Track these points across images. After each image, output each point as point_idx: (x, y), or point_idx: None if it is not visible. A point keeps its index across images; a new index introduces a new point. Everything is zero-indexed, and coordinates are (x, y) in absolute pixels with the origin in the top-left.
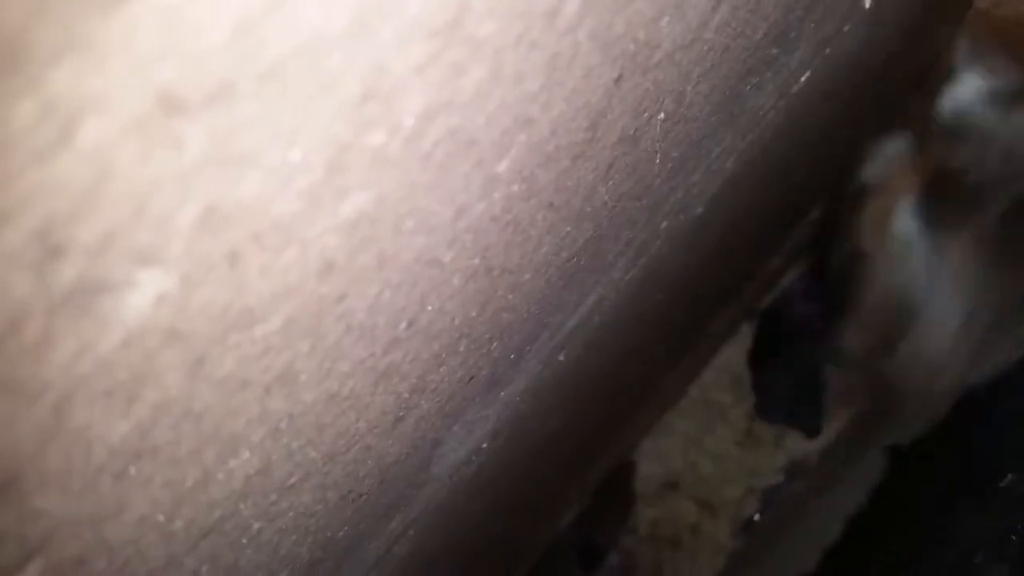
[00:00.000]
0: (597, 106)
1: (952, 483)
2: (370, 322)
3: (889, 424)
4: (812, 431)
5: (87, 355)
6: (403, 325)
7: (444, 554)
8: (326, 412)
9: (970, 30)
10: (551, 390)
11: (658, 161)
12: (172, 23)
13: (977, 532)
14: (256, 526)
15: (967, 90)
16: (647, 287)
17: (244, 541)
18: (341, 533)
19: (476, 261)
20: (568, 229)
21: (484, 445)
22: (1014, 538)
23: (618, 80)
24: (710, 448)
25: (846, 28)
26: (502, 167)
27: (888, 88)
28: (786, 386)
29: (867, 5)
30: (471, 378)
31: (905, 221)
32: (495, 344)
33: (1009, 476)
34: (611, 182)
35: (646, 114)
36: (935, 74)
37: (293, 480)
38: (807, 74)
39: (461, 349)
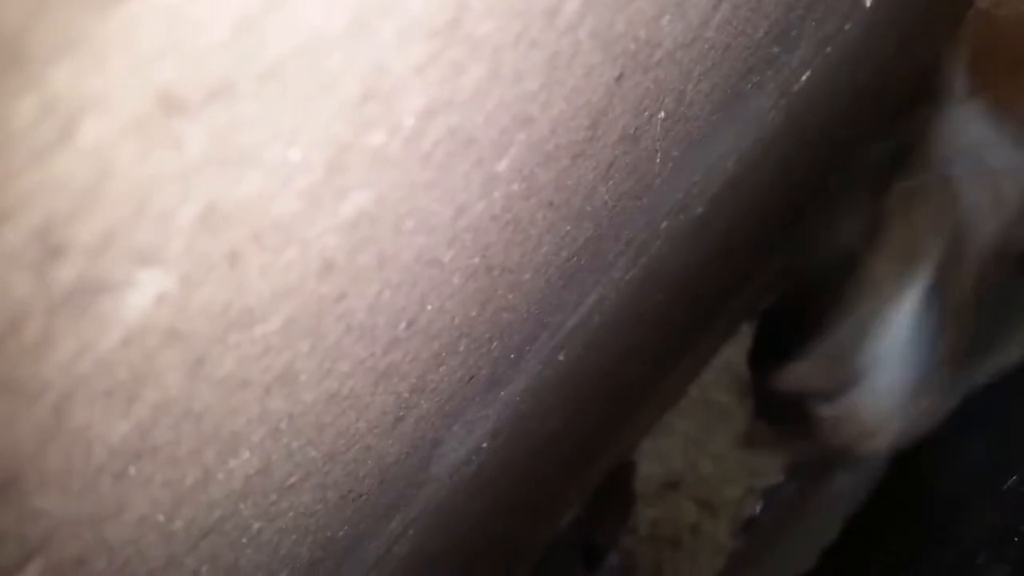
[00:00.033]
0: (597, 105)
1: (954, 484)
2: (370, 322)
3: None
4: (812, 431)
5: (87, 355)
6: (403, 325)
7: (444, 554)
8: (326, 412)
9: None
10: (551, 390)
11: (659, 160)
12: (172, 22)
13: (979, 533)
14: (256, 526)
15: (968, 131)
16: (647, 287)
17: (244, 541)
18: (341, 533)
19: (476, 260)
20: (568, 228)
21: (484, 445)
22: (1016, 539)
23: (619, 79)
24: (710, 448)
25: (847, 27)
26: (502, 166)
27: (889, 87)
28: None
29: (868, 4)
30: (471, 378)
31: (905, 291)
32: (495, 344)
33: (1013, 477)
34: (611, 181)
35: (647, 113)
36: (930, 96)
37: (293, 480)
38: (808, 73)
39: (461, 349)
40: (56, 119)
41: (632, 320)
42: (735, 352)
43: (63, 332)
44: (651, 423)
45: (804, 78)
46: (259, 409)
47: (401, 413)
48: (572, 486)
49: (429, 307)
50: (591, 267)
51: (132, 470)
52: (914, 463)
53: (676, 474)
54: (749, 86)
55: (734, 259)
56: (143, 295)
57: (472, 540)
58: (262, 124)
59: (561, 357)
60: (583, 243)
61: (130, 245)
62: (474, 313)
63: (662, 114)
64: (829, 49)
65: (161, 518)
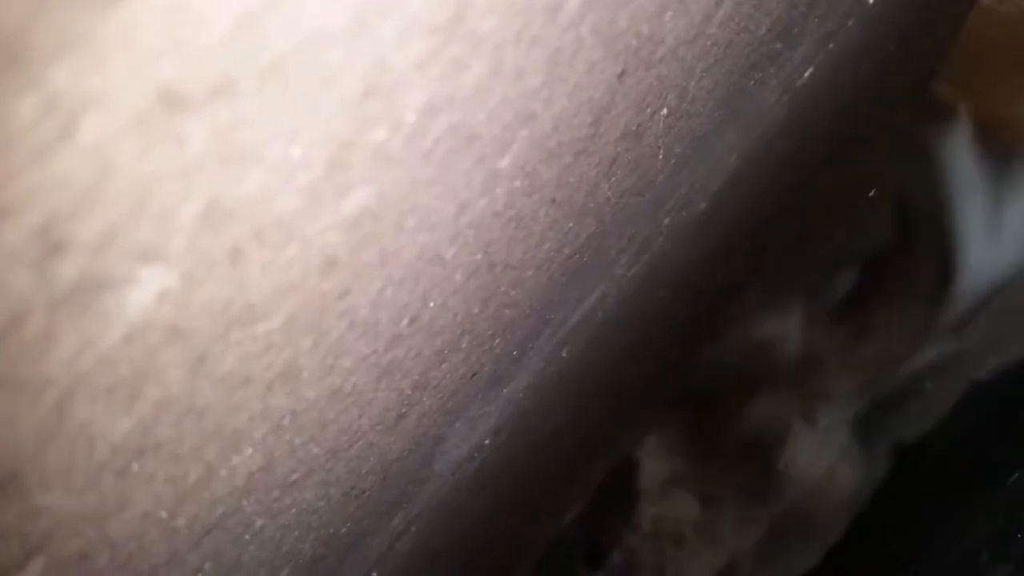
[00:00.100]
0: (600, 102)
1: (956, 482)
2: (372, 318)
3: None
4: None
5: (89, 352)
6: (405, 321)
7: (446, 551)
8: (328, 408)
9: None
10: (553, 386)
11: (661, 157)
12: (173, 20)
13: (982, 531)
14: (259, 522)
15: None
16: (650, 283)
17: (247, 537)
18: (344, 529)
19: (478, 257)
20: (571, 225)
21: (486, 442)
22: (1020, 537)
23: (621, 75)
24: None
25: (849, 23)
26: (504, 163)
27: (891, 84)
28: None
29: (870, 0)
30: (473, 374)
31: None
32: (497, 340)
33: (1015, 475)
34: (614, 178)
35: (649, 110)
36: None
37: (296, 476)
38: (810, 69)
39: (463, 345)
40: (57, 118)
41: (635, 317)
42: None
43: (64, 329)
44: (654, 420)
45: (807, 74)
46: (261, 406)
47: (404, 410)
48: (574, 483)
49: (431, 304)
50: (594, 263)
51: (134, 467)
52: (918, 461)
53: (679, 471)
54: (752, 82)
55: (737, 256)
56: (145, 292)
57: (474, 537)
58: (263, 121)
59: (564, 354)
60: (585, 240)
61: (131, 242)
62: (476, 310)
63: (665, 110)
64: (831, 45)
65: (164, 514)
